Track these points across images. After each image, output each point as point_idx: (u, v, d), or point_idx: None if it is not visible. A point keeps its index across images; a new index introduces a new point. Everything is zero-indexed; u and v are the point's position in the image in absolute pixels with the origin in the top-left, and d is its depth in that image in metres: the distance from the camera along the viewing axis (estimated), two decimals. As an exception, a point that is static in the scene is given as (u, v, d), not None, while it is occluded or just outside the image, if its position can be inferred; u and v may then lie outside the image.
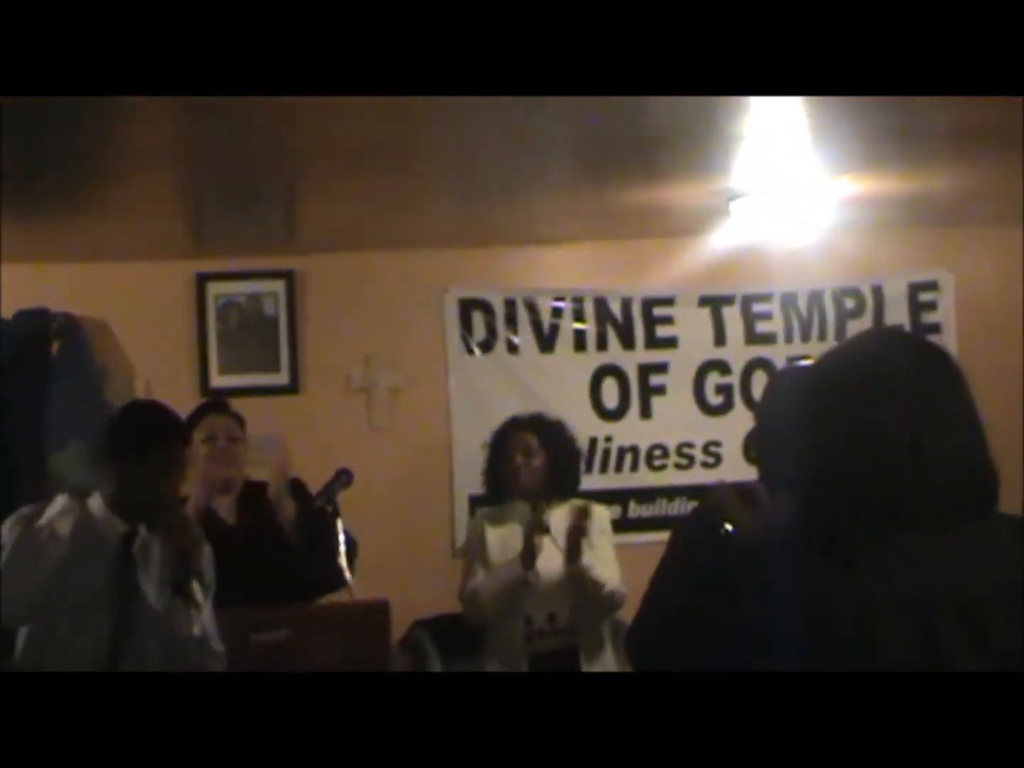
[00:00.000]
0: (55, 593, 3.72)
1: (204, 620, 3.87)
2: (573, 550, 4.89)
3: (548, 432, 5.20)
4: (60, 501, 3.86)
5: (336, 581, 4.60)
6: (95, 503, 3.87)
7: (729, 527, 2.41)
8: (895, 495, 2.02)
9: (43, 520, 3.78)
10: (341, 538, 4.61)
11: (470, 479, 6.58)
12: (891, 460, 2.02)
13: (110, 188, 5.36)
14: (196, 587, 3.85)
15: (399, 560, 6.34)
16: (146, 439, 3.84)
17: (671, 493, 6.76)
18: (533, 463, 5.10)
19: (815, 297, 6.88)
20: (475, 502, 6.59)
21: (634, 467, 6.75)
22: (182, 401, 5.71)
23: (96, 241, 6.16)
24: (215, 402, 5.13)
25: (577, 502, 5.15)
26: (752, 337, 6.85)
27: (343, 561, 4.56)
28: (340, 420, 6.54)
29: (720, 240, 6.30)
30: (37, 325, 6.25)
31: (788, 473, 2.14)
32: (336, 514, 4.75)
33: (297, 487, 4.90)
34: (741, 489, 2.58)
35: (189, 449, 4.07)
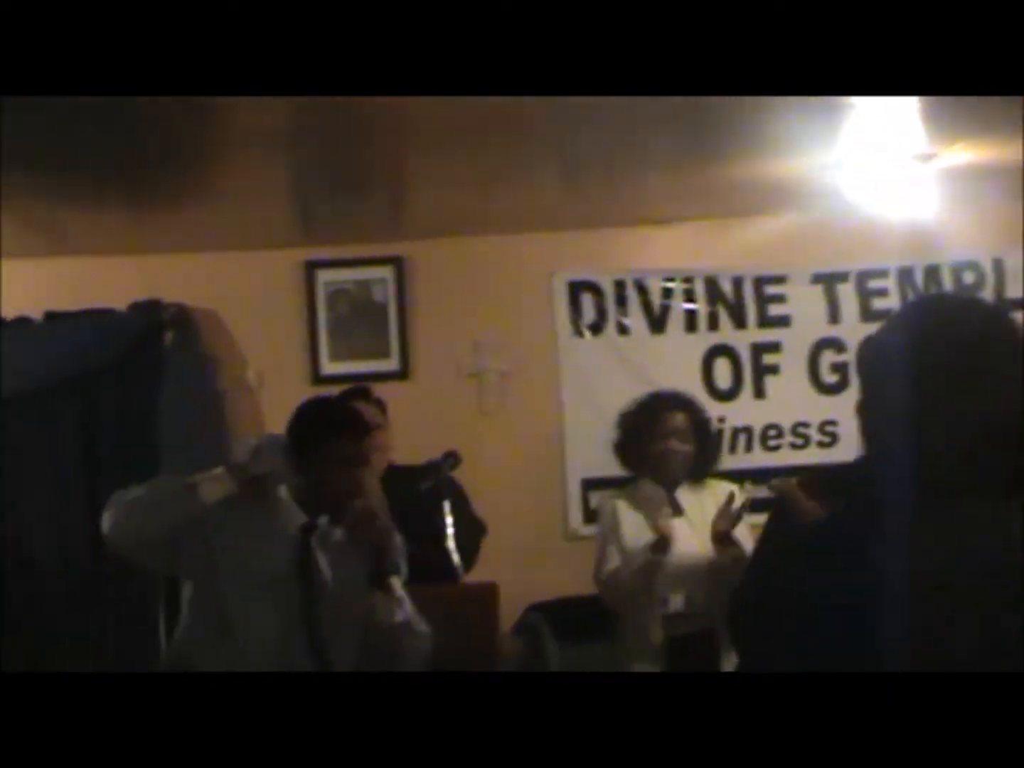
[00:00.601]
0: (225, 564, 3.83)
1: (405, 606, 3.89)
2: (722, 533, 4.78)
3: (696, 412, 5.10)
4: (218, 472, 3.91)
5: (447, 565, 4.59)
6: (281, 491, 3.93)
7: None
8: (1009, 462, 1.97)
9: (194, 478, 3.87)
10: (449, 521, 4.59)
11: (582, 463, 6.57)
12: (1000, 426, 1.98)
13: (219, 178, 5.40)
14: (394, 578, 3.87)
15: (511, 545, 6.31)
16: (329, 435, 3.86)
17: (786, 474, 6.66)
18: (684, 445, 4.97)
19: (932, 272, 6.75)
20: (588, 485, 6.57)
21: (748, 448, 6.67)
22: (294, 389, 5.80)
23: (206, 231, 6.21)
24: (359, 389, 5.11)
25: (713, 483, 5.06)
26: (868, 314, 6.72)
27: (451, 544, 4.54)
28: (450, 405, 6.53)
29: (833, 215, 6.19)
30: (150, 316, 6.32)
31: (891, 438, 2.09)
32: (443, 497, 4.74)
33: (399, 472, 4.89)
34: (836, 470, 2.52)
35: (369, 443, 4.05)
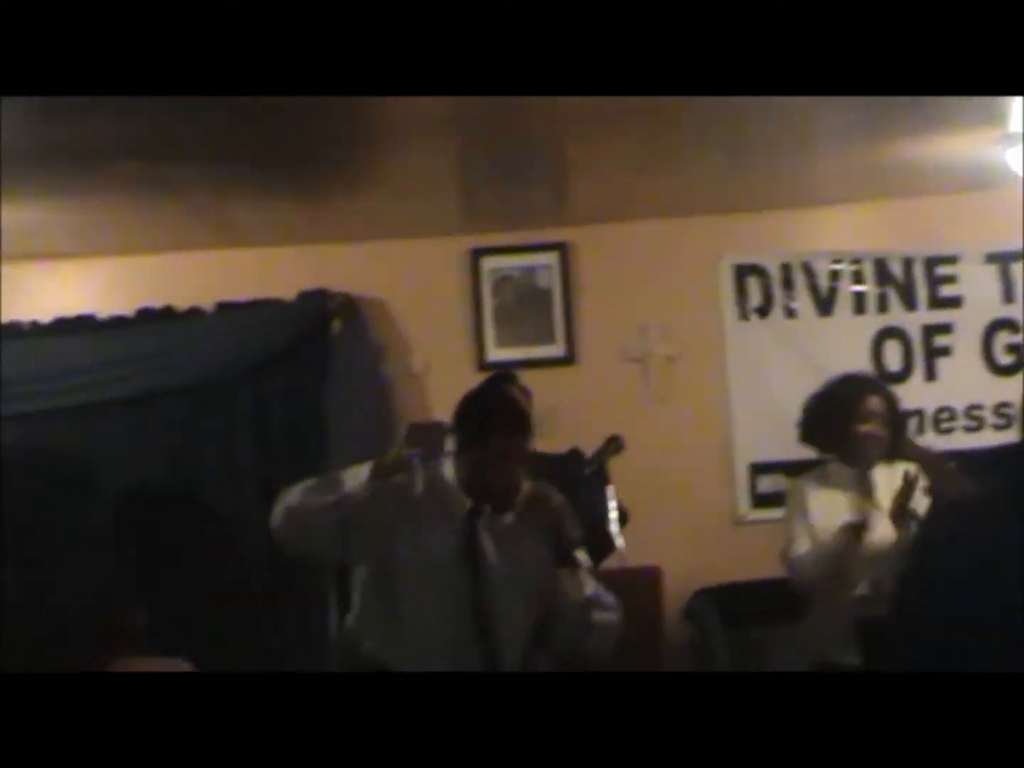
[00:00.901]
0: (402, 548, 3.88)
1: (592, 580, 3.91)
2: (900, 513, 4.71)
3: (890, 395, 5.02)
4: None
5: (605, 548, 4.57)
6: (448, 473, 3.97)
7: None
8: None
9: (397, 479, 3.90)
10: (612, 504, 4.56)
11: (749, 447, 6.52)
12: None
13: (384, 168, 5.45)
14: (578, 553, 3.88)
15: (678, 530, 6.30)
16: (493, 430, 3.88)
17: (960, 457, 6.53)
18: (882, 429, 4.90)
19: (1111, 249, 6.56)
20: (756, 470, 6.52)
21: (920, 431, 6.54)
22: (460, 376, 5.83)
23: (372, 220, 6.27)
24: (505, 375, 5.11)
25: (901, 465, 4.98)
26: (1045, 294, 6.57)
27: (614, 528, 4.52)
28: (616, 390, 6.52)
29: (1005, 193, 6.04)
30: (317, 305, 6.44)
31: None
32: (606, 481, 4.72)
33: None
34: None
35: (533, 435, 4.06)
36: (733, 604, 6.08)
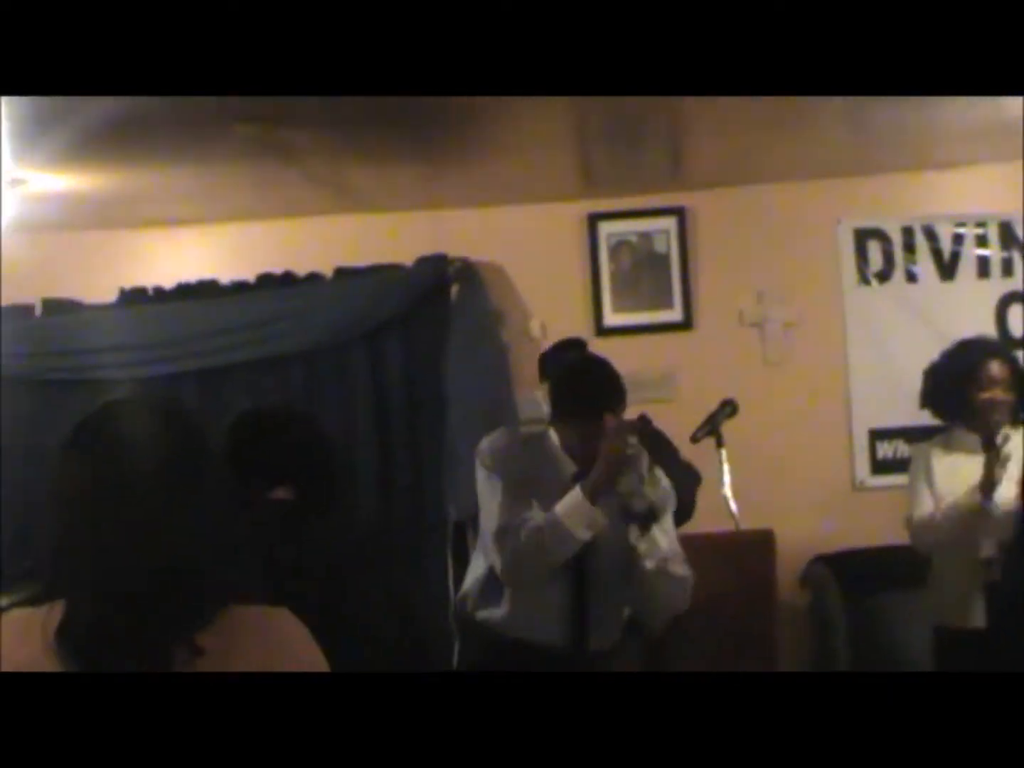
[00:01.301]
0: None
1: (661, 549, 3.87)
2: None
3: (1013, 360, 4.96)
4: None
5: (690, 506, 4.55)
6: (553, 438, 3.99)
7: None
8: None
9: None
10: (726, 468, 4.56)
11: (869, 413, 6.46)
12: None
13: (502, 133, 5.45)
14: (648, 511, 3.86)
15: (796, 496, 6.27)
16: (593, 402, 3.86)
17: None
18: (1006, 394, 4.86)
19: None
20: (875, 436, 6.46)
21: (1044, 396, 6.44)
22: (576, 341, 5.80)
23: (490, 185, 6.28)
24: (575, 341, 5.10)
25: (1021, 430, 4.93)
26: None
27: (728, 491, 4.51)
28: (733, 355, 6.49)
29: None
30: (436, 270, 6.47)
31: None
32: (721, 444, 4.70)
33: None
34: None
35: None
36: (851, 570, 6.05)
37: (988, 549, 4.77)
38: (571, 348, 5.21)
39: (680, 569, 3.90)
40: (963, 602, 4.75)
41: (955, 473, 4.81)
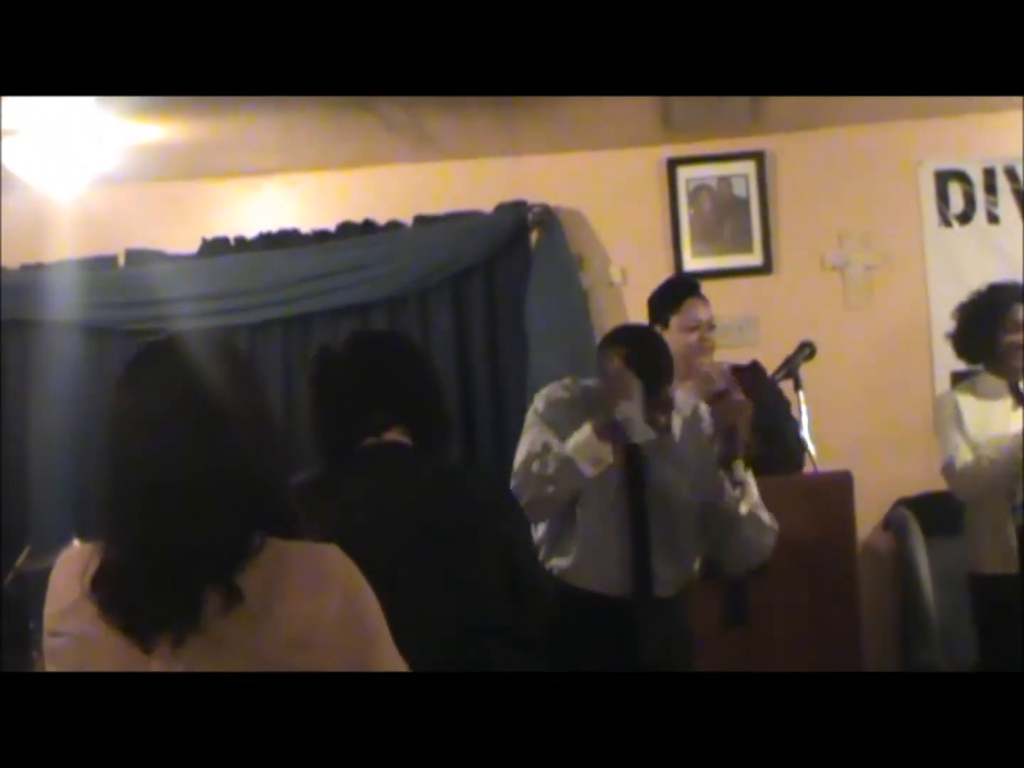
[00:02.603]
0: None
1: (749, 494, 3.90)
2: None
3: None
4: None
5: (800, 456, 4.55)
6: None
7: None
8: None
9: None
10: (804, 410, 4.55)
11: (951, 355, 6.40)
12: None
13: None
14: (739, 464, 3.88)
15: (878, 439, 6.25)
16: (655, 380, 3.85)
17: None
18: None
19: None
20: (957, 379, 6.41)
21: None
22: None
23: (569, 131, 6.29)
24: (690, 283, 4.99)
25: None
26: None
27: (806, 434, 4.50)
28: (814, 299, 6.46)
29: None
30: (516, 216, 6.49)
31: None
32: (799, 387, 4.69)
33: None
34: None
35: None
36: (932, 513, 6.02)
37: (1021, 494, 4.76)
38: (682, 284, 5.09)
39: (767, 516, 3.93)
40: (997, 548, 4.75)
41: (984, 419, 4.80)
